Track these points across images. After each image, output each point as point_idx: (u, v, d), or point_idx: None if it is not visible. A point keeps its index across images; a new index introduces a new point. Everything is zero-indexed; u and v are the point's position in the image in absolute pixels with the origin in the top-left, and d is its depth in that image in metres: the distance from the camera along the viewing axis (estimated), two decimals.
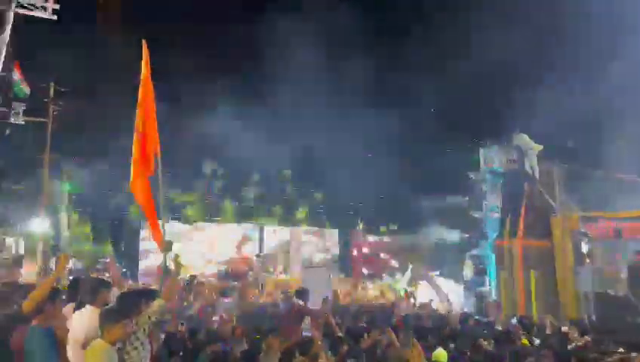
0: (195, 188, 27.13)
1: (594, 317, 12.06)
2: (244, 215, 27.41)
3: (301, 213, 28.23)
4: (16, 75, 17.98)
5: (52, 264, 17.72)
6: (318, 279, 13.12)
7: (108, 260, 20.13)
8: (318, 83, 24.10)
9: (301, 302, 9.42)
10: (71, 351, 5.13)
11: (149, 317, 5.16)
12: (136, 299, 5.33)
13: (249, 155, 25.26)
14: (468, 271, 18.28)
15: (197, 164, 27.43)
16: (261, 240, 26.11)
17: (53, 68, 21.31)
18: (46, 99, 20.87)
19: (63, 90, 21.26)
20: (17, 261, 16.39)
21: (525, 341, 8.49)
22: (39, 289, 5.13)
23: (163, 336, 7.15)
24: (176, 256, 6.04)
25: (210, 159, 27.54)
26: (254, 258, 24.39)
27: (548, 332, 9.50)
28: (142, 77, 6.77)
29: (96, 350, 4.72)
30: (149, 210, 6.68)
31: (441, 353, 6.92)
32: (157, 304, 5.25)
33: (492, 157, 19.00)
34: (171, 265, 6.01)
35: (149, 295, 5.54)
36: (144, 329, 5.15)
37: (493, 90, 23.71)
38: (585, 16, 18.14)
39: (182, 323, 9.04)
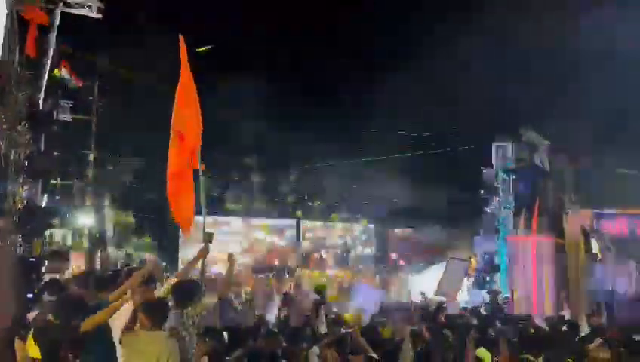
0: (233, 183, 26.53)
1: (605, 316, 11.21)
2: (280, 210, 26.70)
3: (338, 211, 27.38)
4: (65, 73, 17.58)
5: (97, 257, 17.35)
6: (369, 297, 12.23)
7: (148, 257, 19.72)
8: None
9: (318, 297, 9.03)
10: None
11: (201, 313, 4.88)
12: (190, 290, 4.98)
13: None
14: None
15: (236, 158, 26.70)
16: (297, 234, 25.33)
17: (97, 66, 20.85)
18: (91, 97, 20.47)
19: (107, 88, 20.84)
20: (65, 255, 16.03)
21: None
22: (103, 314, 4.48)
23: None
24: (230, 255, 5.76)
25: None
26: (290, 252, 23.82)
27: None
28: (181, 73, 6.17)
29: (161, 337, 4.37)
30: (186, 205, 6.17)
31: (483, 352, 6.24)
32: (209, 301, 5.08)
33: (504, 154, 18.07)
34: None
35: (200, 288, 5.21)
36: (193, 322, 4.81)
37: (506, 86, 22.55)
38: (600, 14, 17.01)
39: None
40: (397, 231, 26.24)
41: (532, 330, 7.98)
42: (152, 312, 4.45)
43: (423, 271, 19.55)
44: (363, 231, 26.60)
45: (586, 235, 12.75)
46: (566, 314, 10.50)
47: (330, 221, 26.78)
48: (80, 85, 16.78)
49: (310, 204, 27.48)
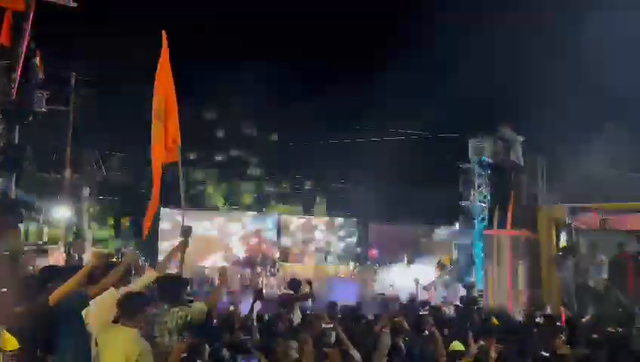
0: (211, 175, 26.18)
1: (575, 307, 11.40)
2: (261, 203, 26.45)
3: (320, 204, 27.19)
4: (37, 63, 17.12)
5: (75, 253, 16.92)
6: (346, 291, 12.15)
7: (125, 250, 19.43)
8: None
9: (291, 292, 8.98)
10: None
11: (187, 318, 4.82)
12: (176, 288, 4.94)
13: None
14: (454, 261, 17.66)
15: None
16: (279, 228, 25.16)
17: (75, 57, 20.43)
18: (68, 88, 20.03)
19: (85, 79, 20.43)
20: (42, 249, 15.53)
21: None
22: (68, 286, 4.45)
23: None
24: (222, 269, 5.83)
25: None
26: (271, 246, 23.67)
27: None
28: (160, 65, 6.18)
29: (131, 335, 4.30)
30: (154, 196, 6.17)
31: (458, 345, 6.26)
32: (199, 308, 4.96)
33: (481, 148, 18.13)
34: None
35: (185, 284, 5.22)
36: (177, 322, 4.80)
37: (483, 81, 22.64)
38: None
39: None
40: (378, 225, 26.16)
41: (496, 321, 8.11)
42: (126, 307, 4.39)
43: (402, 265, 19.67)
44: (345, 225, 26.53)
45: (558, 229, 12.94)
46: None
47: (312, 215, 26.66)
48: (42, 78, 16.30)
49: (291, 197, 27.37)
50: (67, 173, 19.00)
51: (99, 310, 4.62)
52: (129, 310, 4.34)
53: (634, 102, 16.05)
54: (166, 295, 4.76)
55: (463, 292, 14.66)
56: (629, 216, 12.26)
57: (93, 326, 4.63)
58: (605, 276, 11.98)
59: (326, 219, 26.48)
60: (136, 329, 4.33)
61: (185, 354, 4.97)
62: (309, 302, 10.73)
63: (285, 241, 24.37)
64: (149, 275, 5.17)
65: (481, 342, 5.89)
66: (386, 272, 19.14)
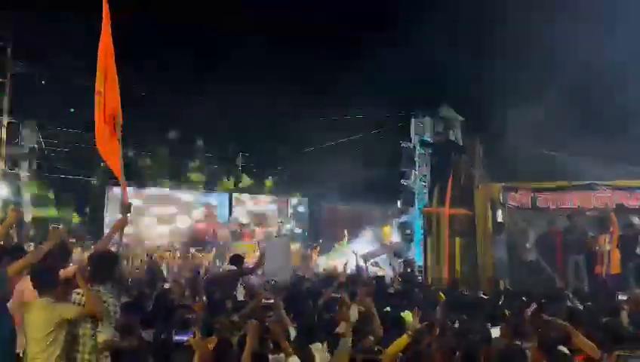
0: (159, 153, 25.22)
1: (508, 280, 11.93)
2: (211, 182, 25.84)
3: (269, 182, 26.83)
4: None
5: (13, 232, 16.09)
6: (281, 250, 12.10)
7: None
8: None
9: (234, 268, 8.96)
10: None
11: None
12: (109, 266, 4.73)
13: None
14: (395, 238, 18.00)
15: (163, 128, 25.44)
16: (230, 207, 24.76)
17: (10, 28, 19.28)
18: (3, 60, 19.02)
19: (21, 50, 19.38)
20: None
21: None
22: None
23: None
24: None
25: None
26: (221, 226, 23.39)
27: None
28: (101, 37, 5.90)
29: (42, 303, 4.23)
30: (117, 171, 5.99)
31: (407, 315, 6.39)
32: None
33: (422, 128, 18.42)
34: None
35: (117, 261, 5.13)
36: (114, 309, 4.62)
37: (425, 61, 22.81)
38: None
39: None
40: (328, 205, 26.19)
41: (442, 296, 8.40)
42: (38, 283, 4.28)
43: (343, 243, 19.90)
44: (297, 205, 26.46)
45: (494, 207, 13.41)
46: None
47: (263, 194, 26.45)
48: None
49: (243, 177, 26.93)
50: (3, 148, 18.11)
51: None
52: (41, 285, 4.26)
53: (568, 83, 16.59)
54: (98, 273, 4.57)
55: (402, 268, 15.04)
56: (558, 194, 12.88)
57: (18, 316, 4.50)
58: (535, 252, 12.58)
59: (277, 198, 26.37)
60: (46, 297, 4.22)
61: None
62: (255, 278, 10.79)
63: (236, 220, 24.19)
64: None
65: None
66: (332, 250, 19.40)
